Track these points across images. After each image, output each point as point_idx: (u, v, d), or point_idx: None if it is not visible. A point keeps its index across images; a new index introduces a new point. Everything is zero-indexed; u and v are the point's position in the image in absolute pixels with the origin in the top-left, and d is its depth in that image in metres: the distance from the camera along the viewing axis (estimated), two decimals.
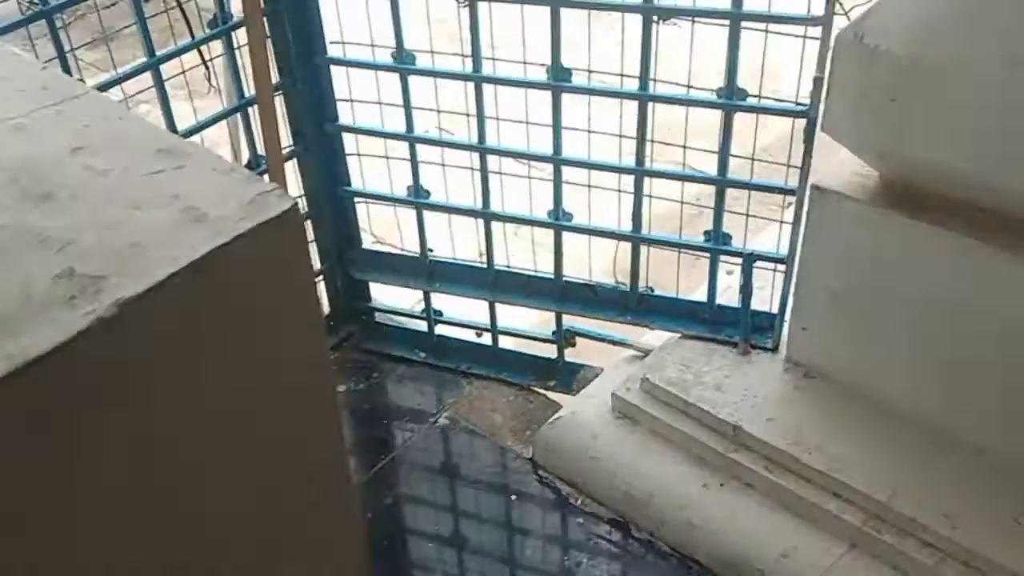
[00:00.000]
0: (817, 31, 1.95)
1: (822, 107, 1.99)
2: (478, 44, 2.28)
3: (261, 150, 2.50)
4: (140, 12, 2.16)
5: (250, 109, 2.46)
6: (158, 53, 2.23)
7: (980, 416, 2.10)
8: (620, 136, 2.29)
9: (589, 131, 2.35)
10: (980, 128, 1.83)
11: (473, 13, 2.23)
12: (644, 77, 2.16)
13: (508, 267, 2.63)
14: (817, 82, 1.98)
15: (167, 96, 2.29)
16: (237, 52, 2.39)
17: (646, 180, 2.31)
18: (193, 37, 2.32)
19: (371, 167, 2.64)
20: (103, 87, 2.17)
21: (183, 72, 2.35)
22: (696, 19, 2.06)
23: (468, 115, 2.41)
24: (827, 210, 2.10)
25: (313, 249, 2.78)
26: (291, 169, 2.60)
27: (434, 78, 2.40)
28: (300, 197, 2.68)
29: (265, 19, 2.38)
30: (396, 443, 2.64)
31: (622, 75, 2.21)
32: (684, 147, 2.25)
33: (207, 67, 2.39)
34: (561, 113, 2.30)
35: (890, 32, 1.86)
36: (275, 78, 2.46)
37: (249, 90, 2.43)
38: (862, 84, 1.92)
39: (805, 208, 2.14)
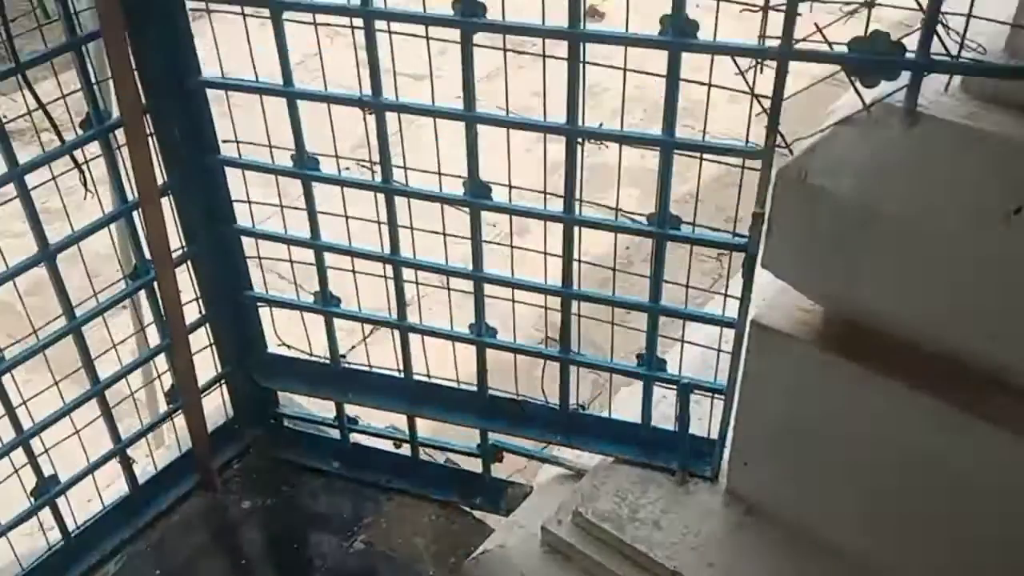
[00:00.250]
0: (757, 163, 1.74)
1: (763, 243, 1.79)
2: (387, 153, 2.04)
3: (149, 255, 2.26)
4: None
5: (135, 213, 2.21)
6: (21, 162, 1.97)
7: (934, 570, 1.93)
8: (544, 254, 2.07)
9: (511, 246, 2.13)
10: (937, 283, 1.64)
11: (380, 122, 2.00)
12: (569, 198, 1.94)
13: (428, 376, 2.41)
14: (756, 218, 1.78)
15: (36, 210, 2.03)
16: (118, 152, 2.14)
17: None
18: (63, 142, 2.05)
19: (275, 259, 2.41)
20: None
21: (53, 179, 2.08)
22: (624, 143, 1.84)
23: (379, 223, 2.18)
24: (768, 348, 1.90)
25: (213, 351, 2.54)
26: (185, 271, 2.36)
27: (340, 187, 2.16)
28: (196, 300, 2.44)
29: (148, 116, 2.13)
30: (307, 572, 2.41)
31: (545, 193, 1.99)
32: (614, 271, 2.04)
33: (82, 171, 2.12)
34: (481, 229, 2.07)
35: (838, 173, 1.66)
36: (162, 178, 2.21)
37: (133, 193, 2.18)
38: (807, 226, 1.73)
39: (745, 342, 1.94)
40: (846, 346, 1.83)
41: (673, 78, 1.72)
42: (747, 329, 1.91)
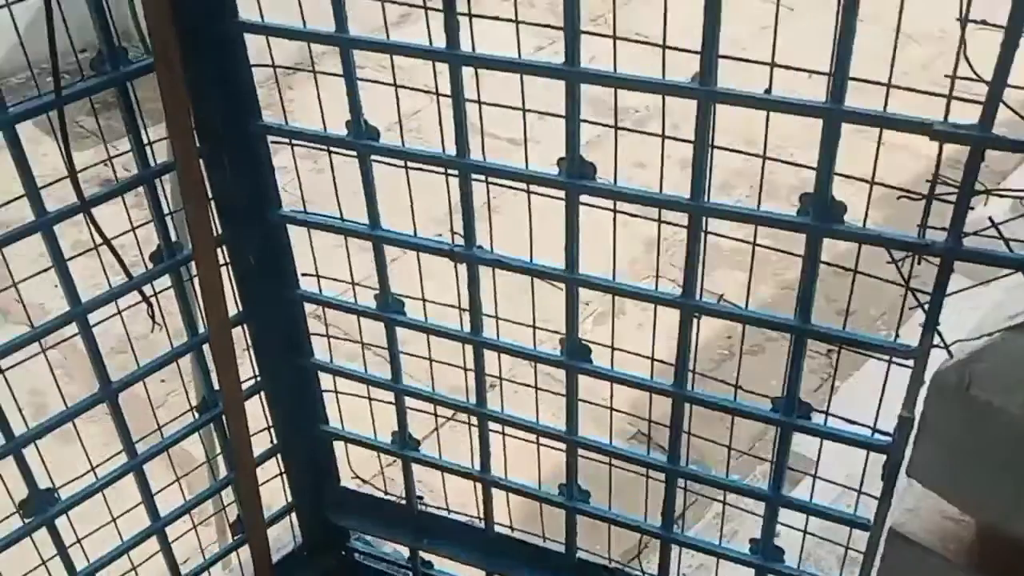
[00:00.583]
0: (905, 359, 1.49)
1: (909, 449, 1.54)
2: (479, 305, 1.85)
3: (217, 386, 2.10)
4: (58, 255, 1.75)
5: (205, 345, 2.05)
6: (84, 300, 1.83)
7: None
8: (652, 359, 1.83)
9: (612, 409, 1.91)
10: None
11: (472, 273, 1.80)
12: (682, 371, 1.71)
13: (511, 528, 2.20)
14: (904, 422, 1.52)
15: (97, 348, 1.88)
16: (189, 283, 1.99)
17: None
18: (130, 277, 1.91)
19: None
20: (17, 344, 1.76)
21: (119, 313, 1.94)
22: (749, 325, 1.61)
23: (465, 369, 1.98)
24: (907, 563, 1.64)
25: (284, 481, 2.37)
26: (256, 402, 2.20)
27: (426, 334, 1.96)
28: (268, 428, 2.27)
29: (224, 246, 1.98)
30: None
31: (652, 358, 1.77)
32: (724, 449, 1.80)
33: (150, 305, 1.98)
34: (577, 391, 1.86)
35: (1011, 388, 1.40)
36: (236, 308, 2.06)
37: (203, 326, 2.02)
38: (966, 440, 1.46)
39: (880, 549, 1.68)
40: (1005, 570, 1.56)
41: (812, 261, 1.48)
42: (883, 536, 1.66)
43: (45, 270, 1.81)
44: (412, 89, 1.80)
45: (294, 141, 1.83)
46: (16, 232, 1.67)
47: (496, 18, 1.60)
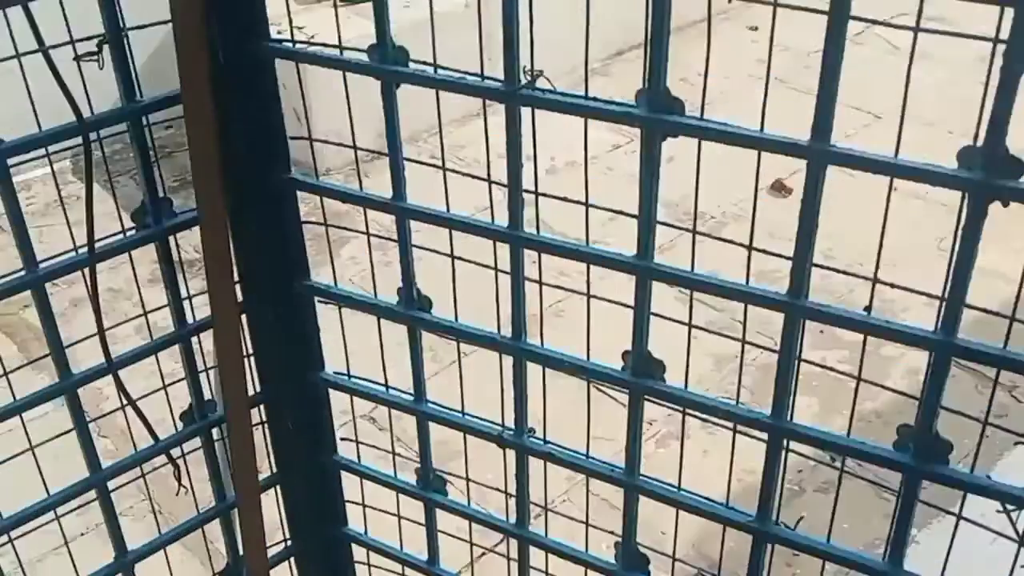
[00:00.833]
0: None
1: None
2: (526, 495, 1.67)
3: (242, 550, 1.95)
4: (81, 422, 1.63)
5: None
6: (104, 465, 1.71)
7: None
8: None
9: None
10: None
11: (521, 463, 1.64)
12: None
13: None
14: None
15: (115, 515, 1.75)
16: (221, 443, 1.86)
17: None
18: (156, 440, 1.78)
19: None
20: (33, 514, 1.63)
21: (142, 476, 1.81)
22: None
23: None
24: None
25: None
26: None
27: (468, 520, 1.79)
28: None
29: (261, 407, 1.86)
30: None
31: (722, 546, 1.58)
32: None
33: (176, 467, 1.85)
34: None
35: None
36: (270, 471, 1.92)
37: (231, 490, 1.88)
38: None
39: None
40: None
41: (908, 502, 1.29)
42: None
43: (67, 432, 1.69)
44: (457, 260, 1.66)
45: (342, 304, 1.71)
46: (36, 396, 1.56)
47: (565, 199, 1.47)
